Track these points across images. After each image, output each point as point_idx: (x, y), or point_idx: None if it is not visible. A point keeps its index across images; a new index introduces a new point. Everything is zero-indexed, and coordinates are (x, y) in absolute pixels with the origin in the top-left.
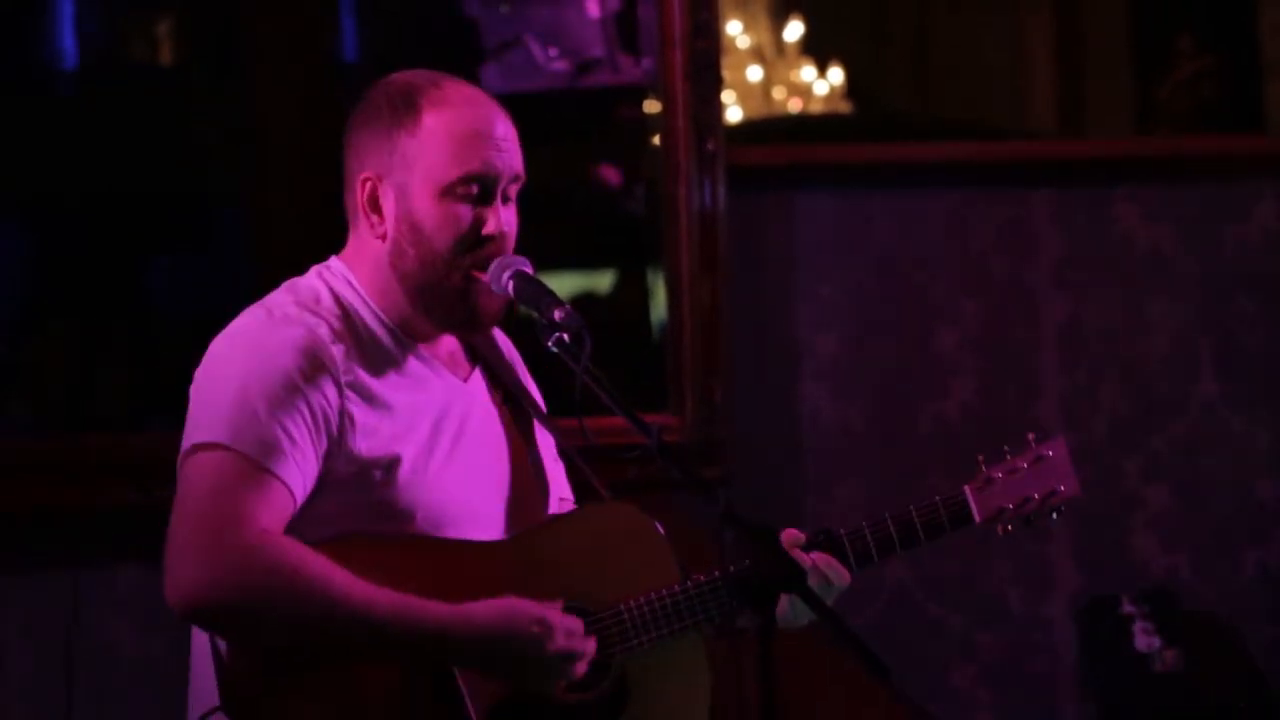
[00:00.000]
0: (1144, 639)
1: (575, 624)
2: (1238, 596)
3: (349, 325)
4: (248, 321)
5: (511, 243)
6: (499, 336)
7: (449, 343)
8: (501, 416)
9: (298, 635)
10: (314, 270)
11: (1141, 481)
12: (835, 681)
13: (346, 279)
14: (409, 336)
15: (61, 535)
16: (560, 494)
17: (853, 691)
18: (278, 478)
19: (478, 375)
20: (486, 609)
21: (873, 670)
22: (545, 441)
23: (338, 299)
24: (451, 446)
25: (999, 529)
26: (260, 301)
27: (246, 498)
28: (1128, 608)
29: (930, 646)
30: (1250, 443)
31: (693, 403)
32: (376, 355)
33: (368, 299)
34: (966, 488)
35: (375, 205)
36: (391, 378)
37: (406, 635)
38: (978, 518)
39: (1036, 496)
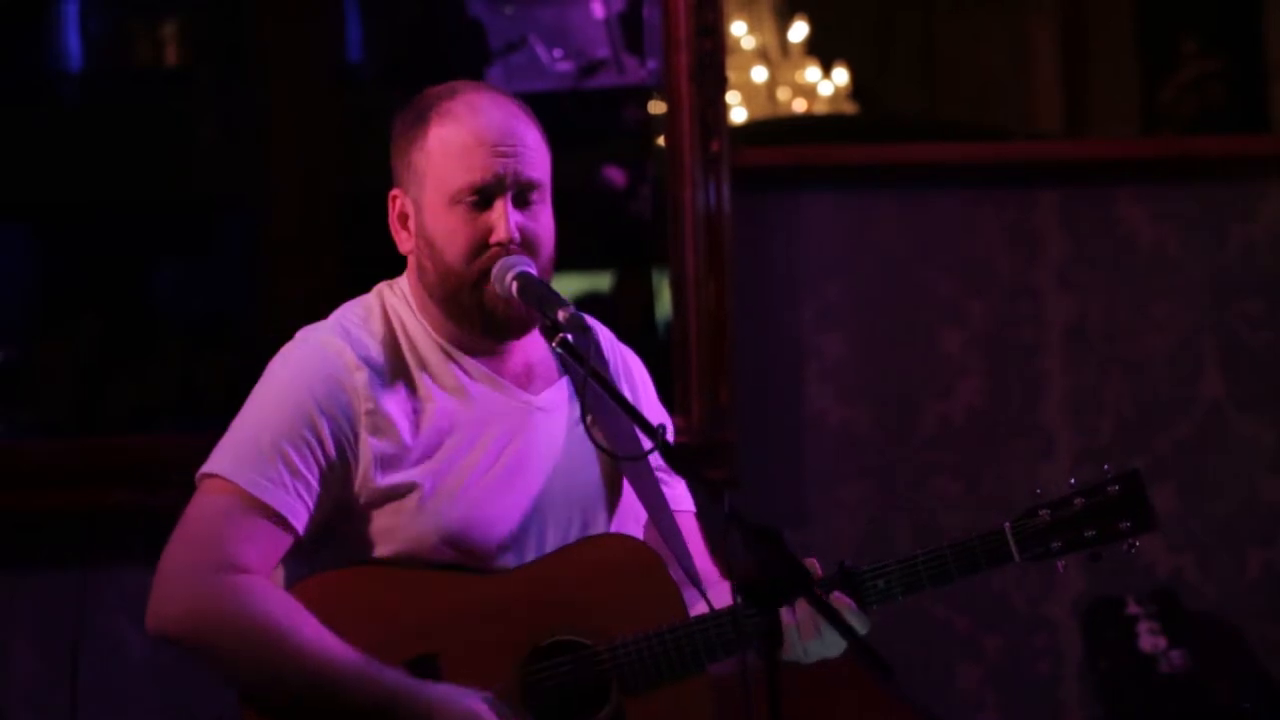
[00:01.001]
0: (1149, 640)
1: None
2: (1243, 597)
3: (389, 346)
4: (287, 347)
5: (542, 247)
6: (626, 356)
7: (525, 355)
8: (575, 432)
9: (250, 681)
10: (380, 285)
11: (1146, 482)
12: (840, 682)
13: (404, 295)
14: (461, 350)
15: (69, 536)
16: (639, 515)
17: (857, 692)
18: (273, 511)
19: (560, 387)
20: (443, 695)
21: (875, 670)
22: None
23: (389, 317)
24: (491, 463)
25: (1057, 565)
26: (310, 325)
27: (234, 534)
28: (1133, 608)
29: (935, 648)
30: (1255, 443)
31: (698, 404)
32: (415, 374)
33: (419, 316)
34: (1007, 524)
35: (404, 221)
36: (430, 395)
37: (354, 701)
38: (1017, 558)
39: (1092, 534)
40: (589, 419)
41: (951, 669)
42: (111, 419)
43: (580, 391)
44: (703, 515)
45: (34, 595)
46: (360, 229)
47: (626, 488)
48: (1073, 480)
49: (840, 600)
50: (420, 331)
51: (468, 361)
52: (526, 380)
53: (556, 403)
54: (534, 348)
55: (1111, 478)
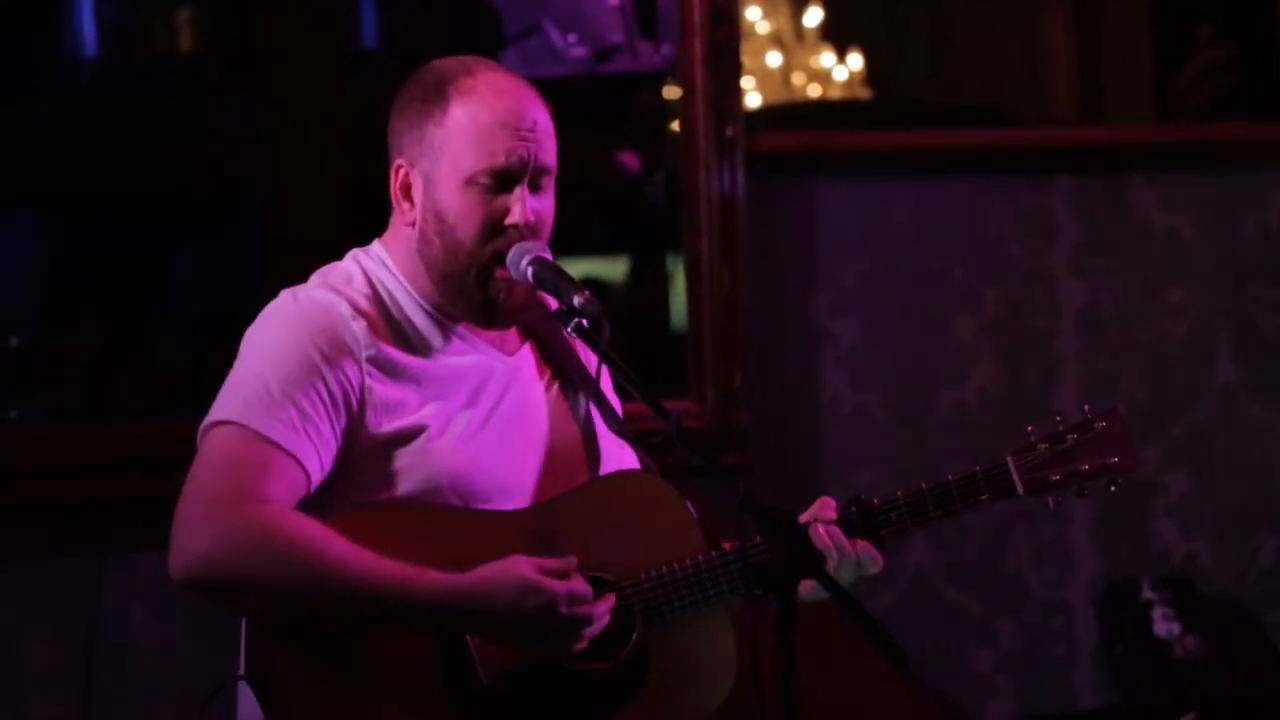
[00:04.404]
0: (1163, 625)
1: (581, 587)
2: (1257, 582)
3: (378, 303)
4: (274, 306)
5: (546, 233)
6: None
7: None
8: (549, 392)
9: (291, 606)
10: (351, 253)
11: (1160, 467)
12: (853, 666)
13: (383, 261)
14: (446, 317)
15: (83, 524)
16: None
17: (871, 676)
18: (288, 454)
19: (527, 351)
20: (484, 574)
21: (890, 654)
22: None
23: (370, 279)
24: (486, 419)
25: (1049, 501)
26: (292, 287)
27: (252, 472)
28: (1147, 593)
29: (949, 632)
30: (1269, 428)
31: (712, 389)
32: (407, 330)
33: (404, 281)
34: (1009, 457)
35: (407, 192)
36: (423, 351)
37: (403, 605)
38: (1020, 488)
39: (1087, 468)
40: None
41: (966, 653)
42: (126, 406)
43: (596, 375)
44: (717, 500)
45: (48, 582)
46: (374, 216)
47: (605, 452)
48: (1058, 418)
49: (860, 544)
50: (404, 295)
51: (451, 325)
52: (501, 342)
53: (530, 365)
54: None
55: (1097, 415)
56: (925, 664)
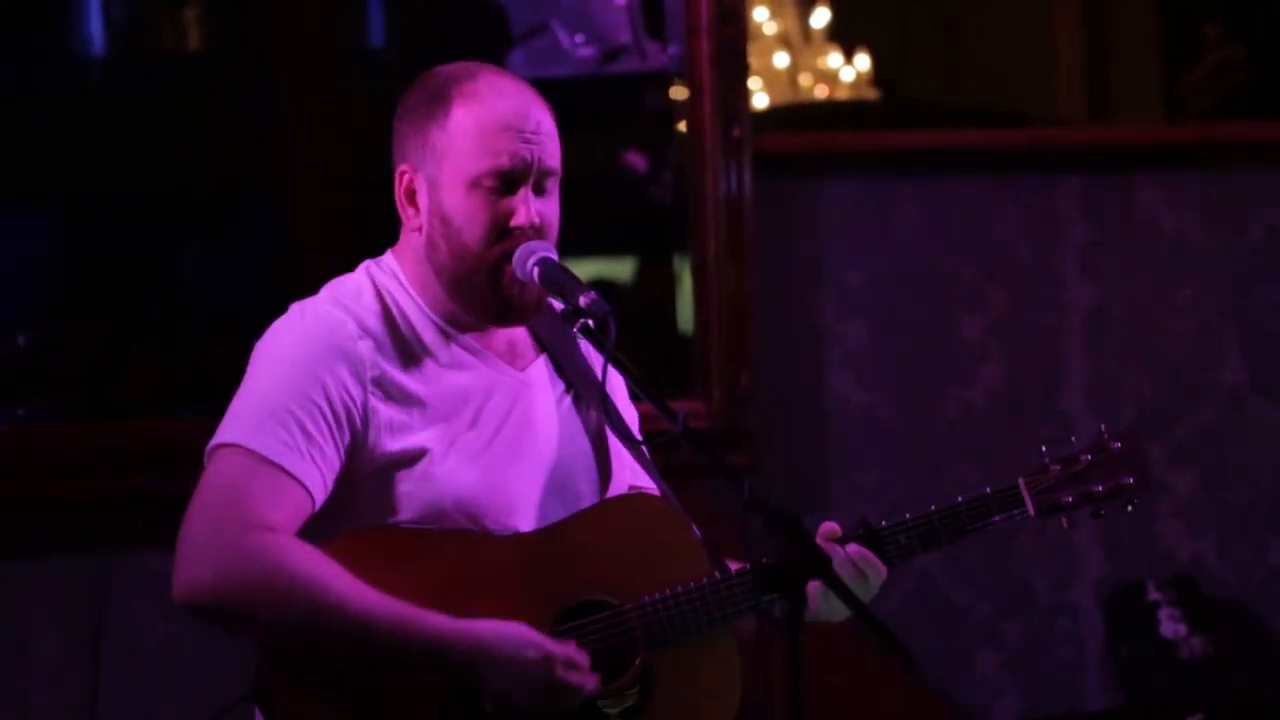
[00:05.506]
0: (1170, 626)
1: (581, 658)
2: (1264, 583)
3: (386, 319)
4: (282, 321)
5: (552, 236)
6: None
7: (508, 333)
8: (560, 406)
9: (292, 639)
10: (364, 265)
11: (1167, 468)
12: (860, 668)
13: (394, 272)
14: (455, 327)
15: (90, 521)
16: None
17: (877, 678)
18: (292, 476)
19: (540, 365)
20: (491, 630)
21: (897, 657)
22: (615, 439)
23: (380, 294)
24: (491, 437)
25: (1063, 521)
26: (301, 301)
27: (257, 497)
28: (1154, 594)
29: (955, 634)
30: (1277, 429)
31: (719, 390)
32: (413, 348)
33: (412, 293)
34: (1021, 479)
35: (412, 198)
36: (429, 369)
37: (403, 648)
38: (1032, 511)
39: (1101, 490)
40: (577, 399)
41: (972, 655)
42: (133, 404)
43: (602, 376)
44: (724, 501)
45: (55, 580)
46: (379, 216)
47: (616, 464)
48: (1074, 438)
49: (860, 551)
50: (414, 308)
51: (461, 338)
52: (512, 357)
53: (541, 379)
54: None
55: (1112, 435)
56: (931, 665)
